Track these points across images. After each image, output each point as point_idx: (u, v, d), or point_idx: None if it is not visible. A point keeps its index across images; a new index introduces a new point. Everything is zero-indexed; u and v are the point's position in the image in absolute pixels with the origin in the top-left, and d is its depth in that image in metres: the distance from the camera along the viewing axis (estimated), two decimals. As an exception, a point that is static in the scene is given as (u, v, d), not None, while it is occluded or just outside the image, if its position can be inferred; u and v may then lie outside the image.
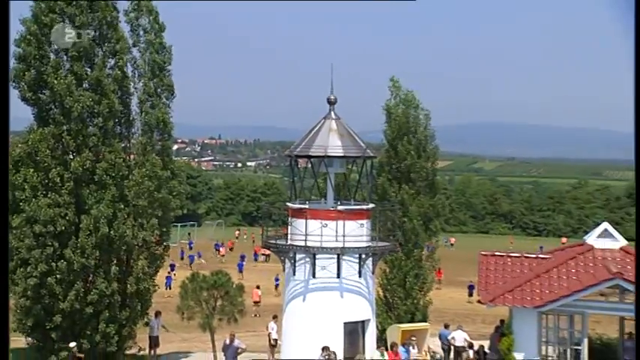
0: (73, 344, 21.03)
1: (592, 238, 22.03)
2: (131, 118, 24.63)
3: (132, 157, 24.74)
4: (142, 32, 24.31)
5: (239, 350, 22.47)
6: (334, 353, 19.05)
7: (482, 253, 23.90)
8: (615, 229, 22.42)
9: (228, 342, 22.12)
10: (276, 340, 25.60)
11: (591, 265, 20.82)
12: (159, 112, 24.08)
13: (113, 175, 22.41)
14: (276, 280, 42.89)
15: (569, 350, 20.85)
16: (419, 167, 27.66)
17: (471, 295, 38.59)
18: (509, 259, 23.03)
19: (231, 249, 61.45)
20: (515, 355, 20.32)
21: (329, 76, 20.78)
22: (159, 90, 24.48)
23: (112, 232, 22.05)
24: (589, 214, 76.77)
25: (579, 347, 20.46)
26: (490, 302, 20.89)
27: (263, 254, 55.18)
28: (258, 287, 38.33)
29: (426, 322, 26.30)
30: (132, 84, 24.37)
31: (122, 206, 22.49)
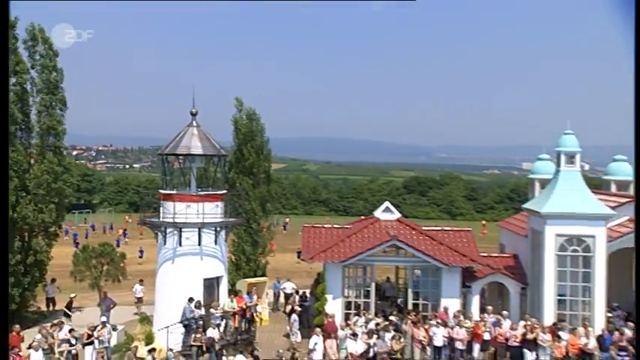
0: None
1: (378, 213, 23.50)
2: (30, 125, 25.10)
3: (31, 156, 25.25)
4: (38, 57, 24.79)
5: (111, 305, 22.80)
6: (199, 302, 19.88)
7: (305, 225, 25.44)
8: (395, 208, 24.02)
9: (103, 298, 22.47)
10: (139, 297, 26.39)
11: (377, 231, 22.22)
12: (53, 121, 24.78)
13: (15, 169, 22.80)
14: (140, 251, 42.63)
15: (362, 290, 22.14)
16: (258, 165, 29.05)
17: (299, 257, 40.16)
18: (323, 229, 24.29)
19: (124, 230, 59.42)
20: (327, 296, 21.46)
21: (199, 97, 22.04)
22: (53, 103, 24.97)
23: (15, 214, 22.29)
24: (379, 199, 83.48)
25: (369, 288, 21.81)
26: (310, 259, 22.07)
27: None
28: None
29: (264, 277, 27.55)
30: (31, 98, 24.91)
31: (24, 194, 22.91)
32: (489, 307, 20.96)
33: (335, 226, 25.35)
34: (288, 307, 23.87)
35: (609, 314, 20.35)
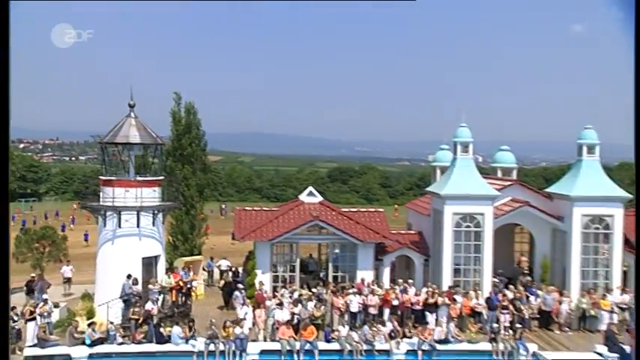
0: None
1: (302, 197, 23.82)
2: None
3: None
4: None
5: (45, 287, 21.99)
6: (136, 279, 19.50)
7: (237, 208, 25.40)
8: (319, 193, 24.34)
9: (37, 280, 21.60)
10: (68, 278, 25.55)
11: (302, 213, 22.53)
12: None
13: None
14: (85, 235, 41.10)
15: (288, 265, 22.36)
16: (196, 155, 28.58)
17: (234, 238, 39.47)
18: (253, 212, 24.40)
19: (72, 217, 56.53)
20: (257, 271, 21.70)
21: (140, 94, 21.28)
22: None
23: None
24: (306, 187, 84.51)
25: (294, 264, 22.20)
26: (241, 239, 22.17)
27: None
28: None
29: (200, 255, 27.28)
30: None
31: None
32: (400, 280, 21.66)
33: (264, 208, 25.45)
34: (222, 282, 23.75)
35: (494, 279, 21.47)
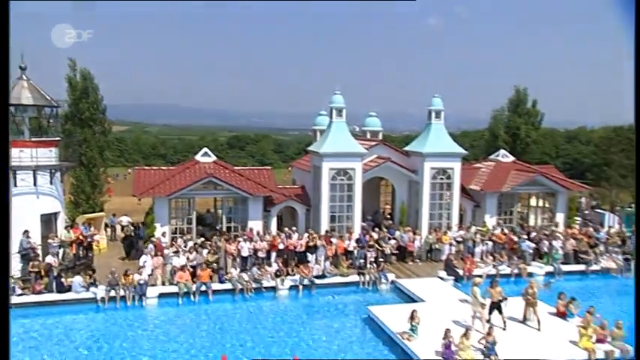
0: None
1: (198, 157, 22.83)
2: None
3: None
4: None
5: None
6: (28, 233, 17.67)
7: (136, 168, 23.75)
8: (219, 159, 23.37)
9: None
10: None
11: (197, 171, 21.64)
12: None
13: None
14: None
15: (186, 219, 21.58)
16: (95, 118, 26.21)
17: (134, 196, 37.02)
18: (152, 171, 22.91)
19: None
20: (156, 225, 20.60)
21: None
22: None
23: None
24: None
25: (191, 217, 21.33)
26: (139, 195, 20.82)
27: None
28: None
29: (102, 212, 25.37)
30: None
31: None
32: (286, 228, 21.66)
33: (162, 168, 24.10)
34: (123, 236, 22.41)
35: (363, 224, 22.25)
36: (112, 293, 16.76)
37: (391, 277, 19.03)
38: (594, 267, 20.35)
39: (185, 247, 19.05)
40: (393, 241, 21.20)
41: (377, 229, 21.73)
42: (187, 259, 18.34)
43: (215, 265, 18.72)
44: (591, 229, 22.96)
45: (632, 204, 29.78)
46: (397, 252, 21.22)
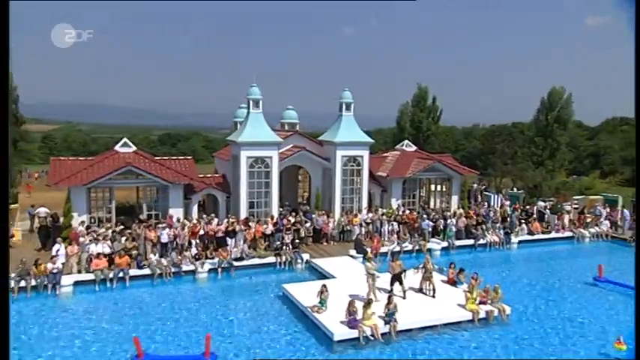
0: None
1: (117, 147, 21.29)
2: None
3: None
4: None
5: None
6: None
7: (52, 158, 21.71)
8: (134, 145, 21.82)
9: None
10: None
11: (116, 160, 20.17)
12: None
13: None
14: None
15: (105, 208, 20.21)
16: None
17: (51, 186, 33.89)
18: (69, 161, 21.06)
19: None
20: (73, 214, 19.12)
21: None
22: None
23: None
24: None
25: (111, 206, 20.03)
26: (54, 185, 19.12)
27: None
28: None
29: (16, 204, 22.98)
30: None
31: None
32: (205, 215, 20.89)
33: (80, 158, 22.25)
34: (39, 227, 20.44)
35: (281, 209, 22.00)
36: (23, 283, 15.19)
37: (306, 257, 18.96)
38: (481, 241, 21.58)
39: (100, 235, 17.69)
40: (308, 224, 21.14)
41: (294, 214, 21.55)
42: (104, 246, 17.06)
43: (135, 252, 17.60)
44: (480, 209, 24.40)
45: (514, 187, 32.24)
46: (313, 234, 21.21)
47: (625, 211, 24.98)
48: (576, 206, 26.93)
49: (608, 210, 25.12)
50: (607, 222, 24.20)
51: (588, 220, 24.17)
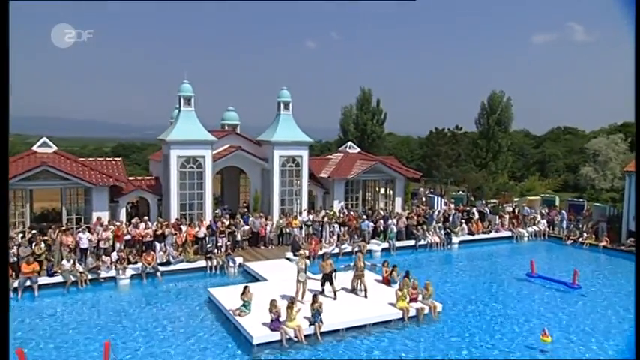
0: None
1: (35, 147, 19.41)
2: None
3: None
4: None
5: None
6: None
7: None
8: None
9: None
10: None
11: (32, 160, 18.36)
12: None
13: None
14: None
15: (20, 211, 18.49)
16: None
17: None
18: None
19: None
20: None
21: None
22: None
23: None
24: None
25: (24, 210, 18.23)
26: None
27: None
28: None
29: None
30: None
31: None
32: (133, 219, 19.35)
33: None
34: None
35: (217, 211, 20.79)
36: None
37: (239, 260, 17.79)
38: (422, 242, 21.11)
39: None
40: (246, 227, 19.99)
41: (230, 217, 20.35)
42: (12, 254, 15.22)
43: (49, 258, 15.87)
44: (422, 210, 24.02)
45: (459, 191, 32.32)
46: (250, 237, 20.07)
47: (562, 211, 25.42)
48: (516, 207, 27.18)
49: (538, 210, 25.67)
50: (544, 221, 24.49)
51: (526, 220, 24.44)
